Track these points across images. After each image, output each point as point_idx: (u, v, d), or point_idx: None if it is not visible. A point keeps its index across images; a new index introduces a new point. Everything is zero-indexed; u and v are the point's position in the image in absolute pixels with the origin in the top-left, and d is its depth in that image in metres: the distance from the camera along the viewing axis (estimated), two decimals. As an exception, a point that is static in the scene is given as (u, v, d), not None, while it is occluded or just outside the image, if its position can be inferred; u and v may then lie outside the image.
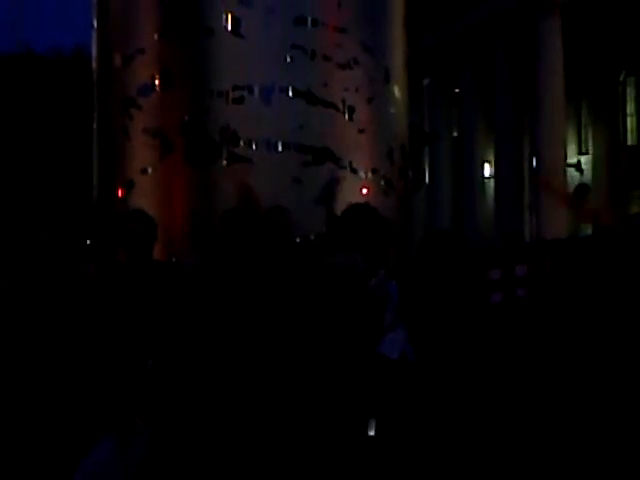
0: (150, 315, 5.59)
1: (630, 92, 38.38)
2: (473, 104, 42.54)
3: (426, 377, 5.55)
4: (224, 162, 7.95)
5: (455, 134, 45.42)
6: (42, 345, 5.32)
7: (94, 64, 8.95)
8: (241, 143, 7.93)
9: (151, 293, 5.73)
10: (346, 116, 8.25)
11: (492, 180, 42.06)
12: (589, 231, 34.92)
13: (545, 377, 5.40)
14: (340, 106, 8.20)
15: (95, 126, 8.94)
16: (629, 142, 38.28)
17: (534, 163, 36.69)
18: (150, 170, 8.11)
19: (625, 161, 37.07)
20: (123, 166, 8.37)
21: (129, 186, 8.21)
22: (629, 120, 38.43)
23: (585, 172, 38.99)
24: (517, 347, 5.56)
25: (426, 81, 45.63)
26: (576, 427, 5.27)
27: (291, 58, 8.03)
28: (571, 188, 38.08)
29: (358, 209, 6.13)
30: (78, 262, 6.21)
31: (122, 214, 6.55)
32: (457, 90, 43.62)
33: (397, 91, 8.78)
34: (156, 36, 8.11)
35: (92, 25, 8.90)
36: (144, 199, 7.71)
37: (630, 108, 38.50)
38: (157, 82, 8.10)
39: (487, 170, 42.89)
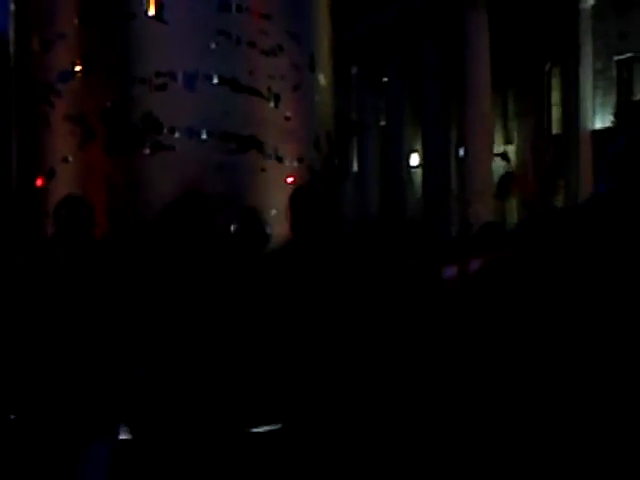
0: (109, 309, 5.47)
1: (555, 82, 38.94)
2: (400, 93, 42.74)
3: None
4: (147, 150, 7.79)
5: (383, 123, 45.56)
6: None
7: (12, 49, 8.71)
8: (164, 131, 7.78)
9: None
10: (272, 104, 8.14)
11: (420, 169, 42.34)
12: (514, 220, 35.20)
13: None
14: (265, 93, 8.09)
15: (13, 113, 8.72)
16: (554, 131, 38.85)
17: (461, 152, 37.02)
18: (71, 158, 7.93)
19: (550, 150, 37.56)
20: (43, 154, 8.16)
21: (50, 175, 8.02)
22: (554, 110, 39.02)
23: (511, 161, 39.42)
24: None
25: (354, 70, 45.69)
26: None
27: (215, 44, 7.89)
28: (497, 178, 38.48)
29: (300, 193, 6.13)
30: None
31: (58, 203, 6.33)
32: (385, 79, 43.76)
33: (323, 79, 8.70)
34: (76, 20, 7.91)
35: (9, 8, 8.67)
36: (65, 188, 7.52)
37: (555, 98, 39.08)
38: (77, 68, 7.91)
39: (415, 159, 43.14)
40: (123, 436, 5.41)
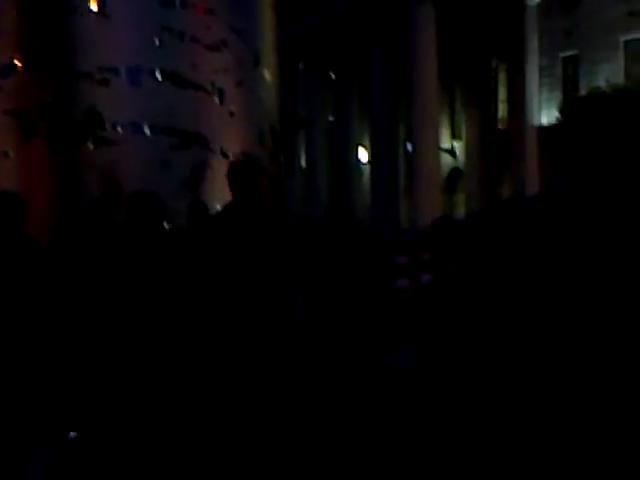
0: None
1: (501, 78, 39.19)
2: (348, 88, 42.80)
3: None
4: (90, 145, 7.74)
5: (331, 118, 45.58)
6: None
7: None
8: (107, 126, 7.73)
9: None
10: (216, 99, 8.13)
11: (368, 164, 42.41)
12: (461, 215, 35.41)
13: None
14: (209, 89, 8.08)
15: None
16: (500, 127, 39.08)
17: (409, 147, 37.19)
18: (11, 153, 7.85)
19: (496, 146, 37.82)
20: (-17, 149, 8.07)
21: (-11, 170, 7.93)
22: (500, 106, 39.25)
23: (458, 157, 39.63)
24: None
25: (301, 64, 45.66)
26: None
27: (159, 39, 7.86)
28: (445, 172, 38.72)
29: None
30: None
31: None
32: (332, 74, 43.78)
33: (267, 74, 8.71)
34: (16, 15, 7.83)
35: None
36: (6, 183, 7.44)
37: (501, 94, 39.32)
38: (18, 63, 7.83)
39: (363, 154, 43.20)
40: (71, 435, 5.37)
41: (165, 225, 7.24)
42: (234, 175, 6.01)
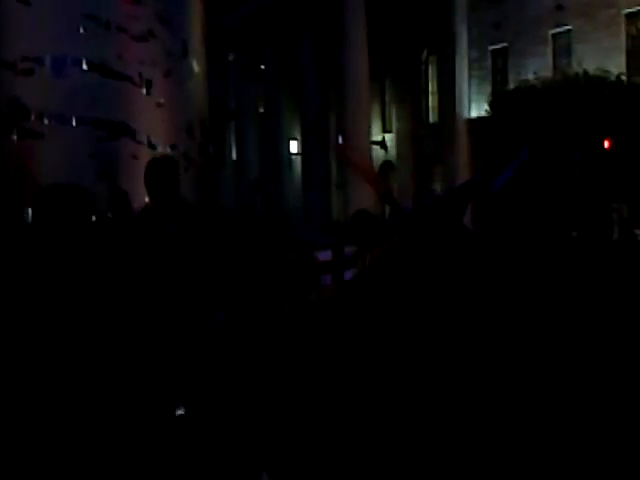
0: None
1: (432, 71, 39.42)
2: (278, 81, 42.70)
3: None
4: (14, 137, 7.56)
5: (262, 110, 45.47)
6: None
7: None
8: (32, 117, 7.56)
9: None
10: (143, 90, 8.00)
11: (299, 157, 42.39)
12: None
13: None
14: (136, 79, 7.94)
15: None
16: (431, 120, 39.34)
17: (340, 140, 37.24)
18: None
19: (428, 138, 38.05)
20: None
21: None
22: (431, 99, 39.52)
23: (389, 149, 39.78)
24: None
25: (231, 56, 45.45)
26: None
27: (84, 29, 7.69)
28: (376, 165, 38.84)
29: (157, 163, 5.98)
30: None
31: None
32: (263, 66, 43.66)
33: (196, 65, 8.59)
34: None
35: None
36: None
37: (432, 87, 39.58)
38: (-62, 52, 7.63)
39: (294, 147, 43.16)
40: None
41: (92, 219, 7.10)
42: (151, 174, 5.83)
